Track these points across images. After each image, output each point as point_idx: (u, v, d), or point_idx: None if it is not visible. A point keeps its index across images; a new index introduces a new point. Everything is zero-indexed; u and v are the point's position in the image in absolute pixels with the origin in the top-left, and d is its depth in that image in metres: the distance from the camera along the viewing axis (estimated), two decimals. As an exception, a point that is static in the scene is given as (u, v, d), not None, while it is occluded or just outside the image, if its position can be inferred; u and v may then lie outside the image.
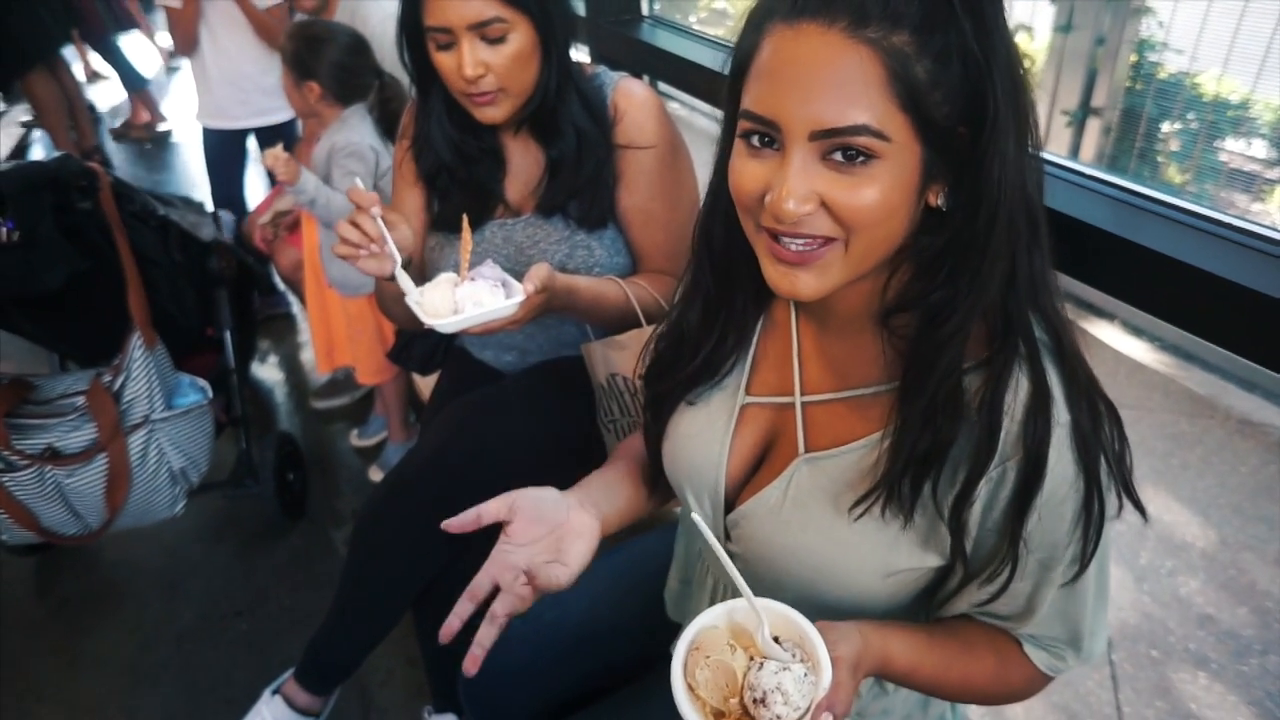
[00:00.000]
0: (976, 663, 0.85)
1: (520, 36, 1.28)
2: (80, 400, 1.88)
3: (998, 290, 0.72)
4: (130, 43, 5.58)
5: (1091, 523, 0.75)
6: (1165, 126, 3.02)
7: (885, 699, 1.00)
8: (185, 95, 5.65)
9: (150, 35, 6.19)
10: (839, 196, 0.69)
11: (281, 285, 3.16)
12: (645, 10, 2.41)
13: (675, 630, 1.13)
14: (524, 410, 1.49)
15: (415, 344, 1.84)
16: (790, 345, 0.92)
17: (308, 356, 3.25)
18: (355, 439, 2.77)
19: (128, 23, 5.38)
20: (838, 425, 0.86)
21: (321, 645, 1.56)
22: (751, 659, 0.74)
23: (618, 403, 1.41)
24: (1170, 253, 1.06)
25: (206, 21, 2.91)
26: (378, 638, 1.55)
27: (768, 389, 0.93)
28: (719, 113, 0.82)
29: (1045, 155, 0.74)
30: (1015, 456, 0.73)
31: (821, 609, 0.85)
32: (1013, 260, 0.71)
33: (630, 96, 1.41)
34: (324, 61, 2.13)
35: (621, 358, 1.38)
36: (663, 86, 3.01)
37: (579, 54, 1.90)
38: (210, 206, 2.92)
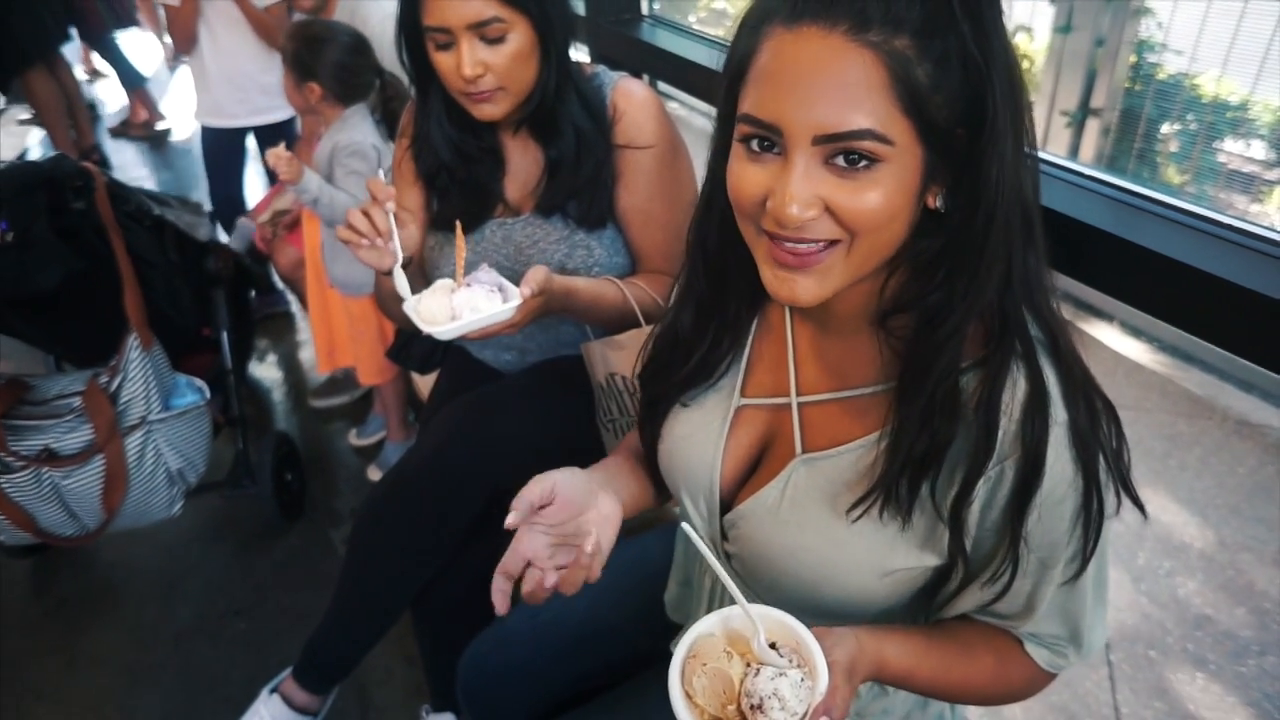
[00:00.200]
0: (975, 663, 0.85)
1: (519, 36, 1.28)
2: (77, 401, 1.88)
3: (994, 290, 0.72)
4: (130, 41, 5.57)
5: (1091, 521, 0.75)
6: (1164, 127, 3.02)
7: (885, 699, 1.00)
8: (186, 93, 5.65)
9: (159, 33, 6.19)
10: (843, 201, 0.69)
11: (280, 284, 3.16)
12: (645, 10, 2.41)
13: (674, 631, 1.13)
14: (523, 410, 1.49)
15: (414, 343, 1.84)
16: (786, 347, 0.92)
17: (306, 355, 3.25)
18: (354, 438, 2.77)
19: (127, 20, 5.38)
20: (835, 426, 0.86)
21: (320, 644, 1.56)
22: (748, 665, 0.74)
23: (616, 402, 1.41)
24: (1169, 253, 1.06)
25: (205, 20, 2.91)
26: (376, 637, 1.55)
27: (764, 390, 0.93)
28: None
29: (1044, 156, 0.74)
30: (1013, 455, 0.73)
31: (819, 609, 0.85)
32: (1009, 261, 0.72)
33: (629, 96, 1.41)
34: (324, 62, 2.12)
35: (620, 357, 1.38)
36: (662, 86, 3.01)
37: (578, 53, 1.90)
38: (209, 205, 2.92)
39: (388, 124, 2.24)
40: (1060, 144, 3.17)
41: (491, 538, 1.61)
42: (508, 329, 1.25)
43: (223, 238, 2.46)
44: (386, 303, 1.47)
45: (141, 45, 6.28)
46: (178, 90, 5.88)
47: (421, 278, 1.48)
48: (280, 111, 3.10)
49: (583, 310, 1.36)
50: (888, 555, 0.82)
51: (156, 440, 1.97)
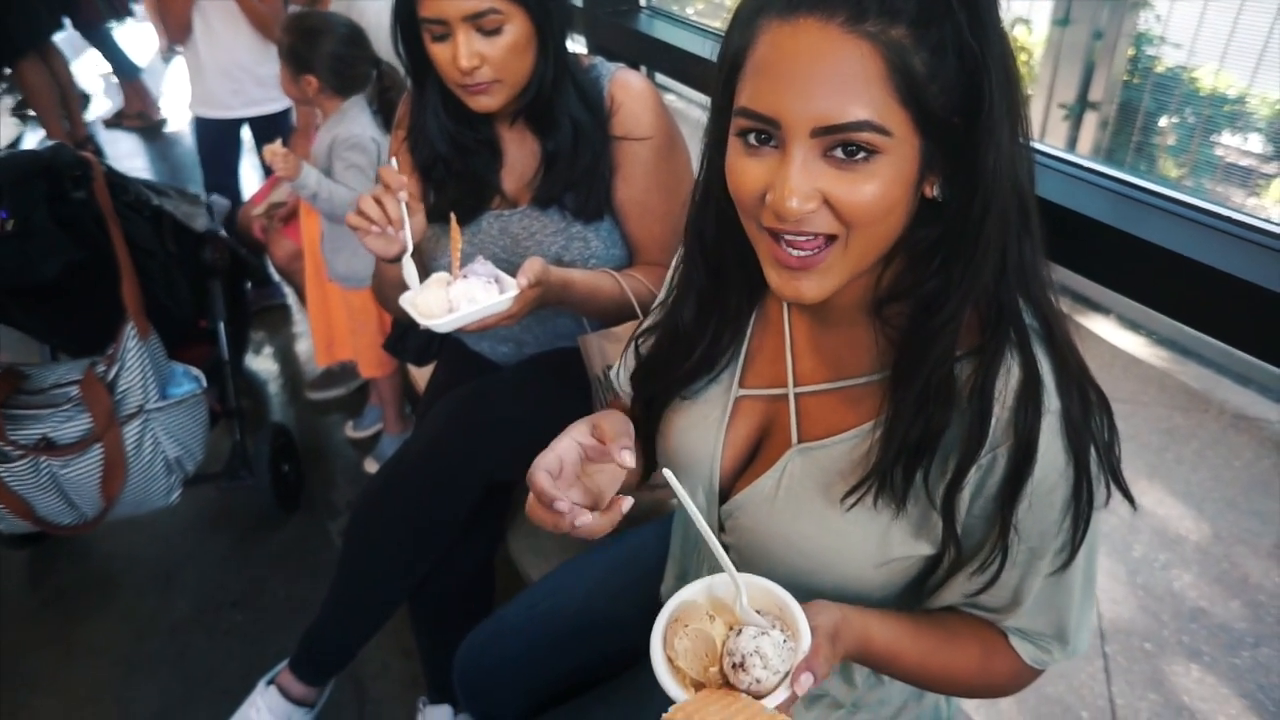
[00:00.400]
0: (960, 651, 0.86)
1: (516, 27, 1.28)
2: (74, 390, 1.88)
3: (990, 279, 0.72)
4: (125, 32, 5.54)
5: (1080, 511, 0.75)
6: (1162, 121, 3.02)
7: (881, 690, 1.00)
8: (181, 84, 5.63)
9: (156, 24, 6.14)
10: (841, 193, 0.69)
11: (277, 276, 3.15)
12: (642, 1, 2.40)
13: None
14: (519, 402, 1.49)
15: (410, 335, 1.83)
16: (783, 338, 0.92)
17: (303, 347, 3.24)
18: (350, 430, 2.76)
19: (123, 11, 5.35)
20: (831, 416, 0.86)
21: (316, 636, 1.56)
22: (730, 628, 0.74)
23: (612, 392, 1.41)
24: (1167, 245, 1.06)
25: (200, 10, 2.90)
26: (373, 629, 1.55)
27: (762, 381, 0.93)
28: None
29: (1042, 147, 0.74)
30: (1006, 443, 0.74)
31: (815, 598, 0.85)
32: (1004, 249, 0.72)
33: (627, 88, 1.41)
34: (320, 53, 2.11)
35: (617, 350, 1.37)
36: (660, 78, 3.00)
37: (575, 45, 1.89)
38: (204, 197, 2.91)
39: (385, 115, 2.23)
40: (1058, 137, 3.17)
41: (488, 530, 1.62)
42: (505, 320, 1.25)
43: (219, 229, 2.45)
44: (385, 293, 1.47)
45: (136, 36, 6.25)
46: (173, 81, 5.85)
47: (421, 266, 1.48)
48: (275, 103, 3.09)
49: (579, 302, 1.36)
50: (882, 543, 0.82)
51: (154, 429, 1.97)
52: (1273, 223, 1.08)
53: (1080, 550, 0.78)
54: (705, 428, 0.94)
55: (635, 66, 2.03)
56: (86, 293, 2.03)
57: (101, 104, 5.51)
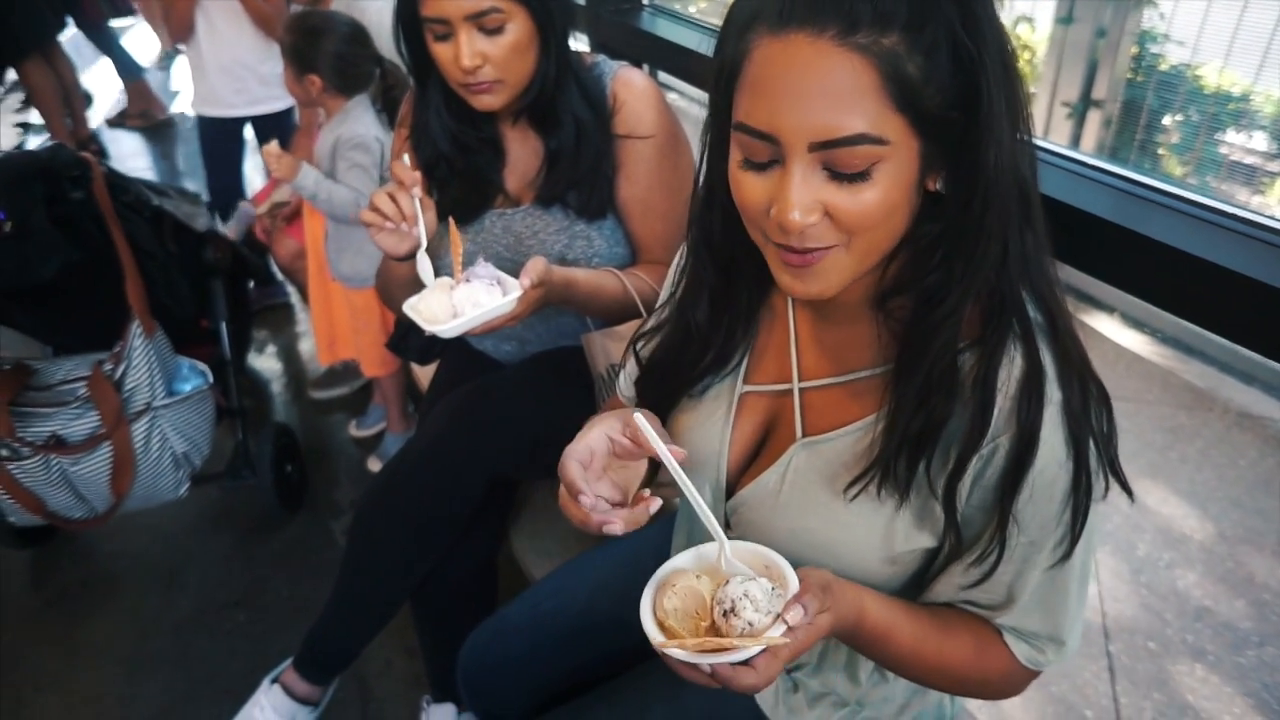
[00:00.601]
0: (953, 640, 0.85)
1: (518, 26, 1.28)
2: (82, 388, 1.89)
3: (991, 272, 0.73)
4: (129, 30, 5.55)
5: (1080, 503, 0.76)
6: (1166, 119, 3.01)
7: (885, 687, 1.00)
8: (184, 83, 5.64)
9: (156, 24, 6.15)
10: (842, 203, 0.70)
11: (279, 275, 3.15)
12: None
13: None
14: (523, 400, 1.49)
15: (413, 334, 1.83)
16: (788, 333, 0.92)
17: (306, 347, 3.24)
18: (353, 430, 2.76)
19: (125, 10, 5.35)
20: (835, 409, 0.87)
21: (320, 635, 1.57)
22: (719, 585, 0.75)
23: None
24: (1172, 242, 1.06)
25: (203, 9, 2.90)
26: (376, 628, 1.55)
27: (766, 377, 0.93)
28: None
29: (1048, 145, 0.74)
30: (1007, 432, 0.74)
31: None
32: (1006, 242, 0.72)
33: (630, 86, 1.41)
34: (323, 53, 2.11)
35: (621, 348, 1.37)
36: (662, 76, 3.00)
37: (578, 43, 1.89)
38: (207, 196, 2.92)
39: (389, 113, 2.23)
40: (1062, 135, 3.16)
41: (491, 529, 1.62)
42: (509, 321, 1.25)
43: (220, 227, 2.46)
44: (391, 293, 1.47)
45: (139, 36, 6.26)
46: (176, 80, 5.86)
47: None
48: (278, 101, 3.09)
49: (583, 301, 1.36)
50: (886, 536, 0.83)
51: (161, 425, 1.99)
52: (1276, 219, 1.07)
53: (1078, 546, 0.78)
54: (711, 425, 0.94)
55: (638, 64, 2.02)
56: (86, 293, 2.04)
57: (105, 104, 5.51)
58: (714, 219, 0.86)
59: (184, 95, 5.26)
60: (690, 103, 4.05)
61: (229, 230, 2.55)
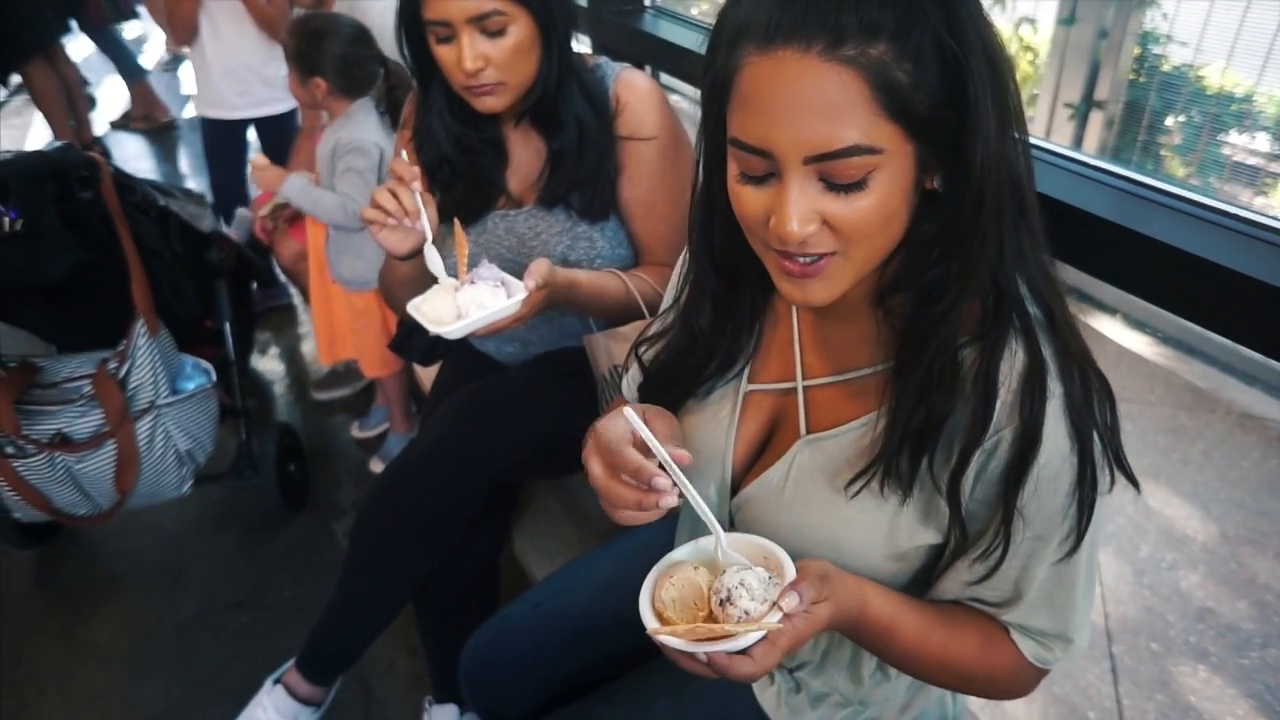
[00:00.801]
0: (959, 636, 0.85)
1: (520, 29, 1.28)
2: (87, 386, 1.90)
3: (988, 268, 0.73)
4: (131, 33, 5.56)
5: (1085, 496, 0.76)
6: (1169, 120, 3.01)
7: (888, 685, 1.00)
8: (188, 86, 5.64)
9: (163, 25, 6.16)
10: (839, 212, 0.70)
11: (282, 277, 3.15)
12: (647, 1, 2.40)
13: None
14: (525, 401, 1.49)
15: (416, 336, 1.83)
16: (791, 332, 0.93)
17: (308, 348, 3.25)
18: (356, 431, 2.77)
19: (128, 13, 5.36)
20: (838, 407, 0.87)
21: (323, 635, 1.57)
22: (716, 575, 0.76)
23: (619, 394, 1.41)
24: (1173, 242, 1.06)
25: (207, 11, 2.91)
26: (379, 628, 1.55)
27: (770, 376, 0.94)
28: None
29: (1047, 145, 0.74)
30: (1010, 426, 0.74)
31: None
32: (1001, 239, 0.72)
33: (632, 88, 1.41)
34: (327, 54, 2.12)
35: (623, 349, 1.37)
36: (664, 78, 3.00)
37: (580, 45, 1.89)
38: (210, 197, 2.92)
39: (392, 114, 2.23)
40: (1064, 137, 3.15)
41: (493, 530, 1.62)
42: (513, 323, 1.25)
43: (224, 228, 2.47)
44: (393, 293, 1.47)
45: (145, 38, 6.27)
46: (181, 83, 5.87)
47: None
48: (281, 103, 3.09)
49: (586, 302, 1.36)
50: (891, 532, 0.83)
51: (165, 423, 2.00)
52: (1278, 219, 1.07)
53: (1084, 541, 0.78)
54: (717, 425, 0.95)
55: (640, 66, 2.03)
56: (91, 292, 2.04)
57: (107, 107, 5.52)
58: (714, 227, 0.87)
59: (189, 97, 5.27)
60: (692, 104, 4.05)
61: (230, 234, 2.56)
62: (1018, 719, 1.85)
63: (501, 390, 1.52)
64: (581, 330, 1.49)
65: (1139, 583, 2.11)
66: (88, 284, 2.00)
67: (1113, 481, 0.77)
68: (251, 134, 3.23)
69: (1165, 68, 2.94)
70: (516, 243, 1.47)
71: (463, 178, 1.46)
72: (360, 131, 2.15)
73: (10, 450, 1.85)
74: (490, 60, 1.28)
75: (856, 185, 0.69)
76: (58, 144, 1.98)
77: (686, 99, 4.09)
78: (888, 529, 0.83)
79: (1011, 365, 0.74)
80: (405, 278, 1.33)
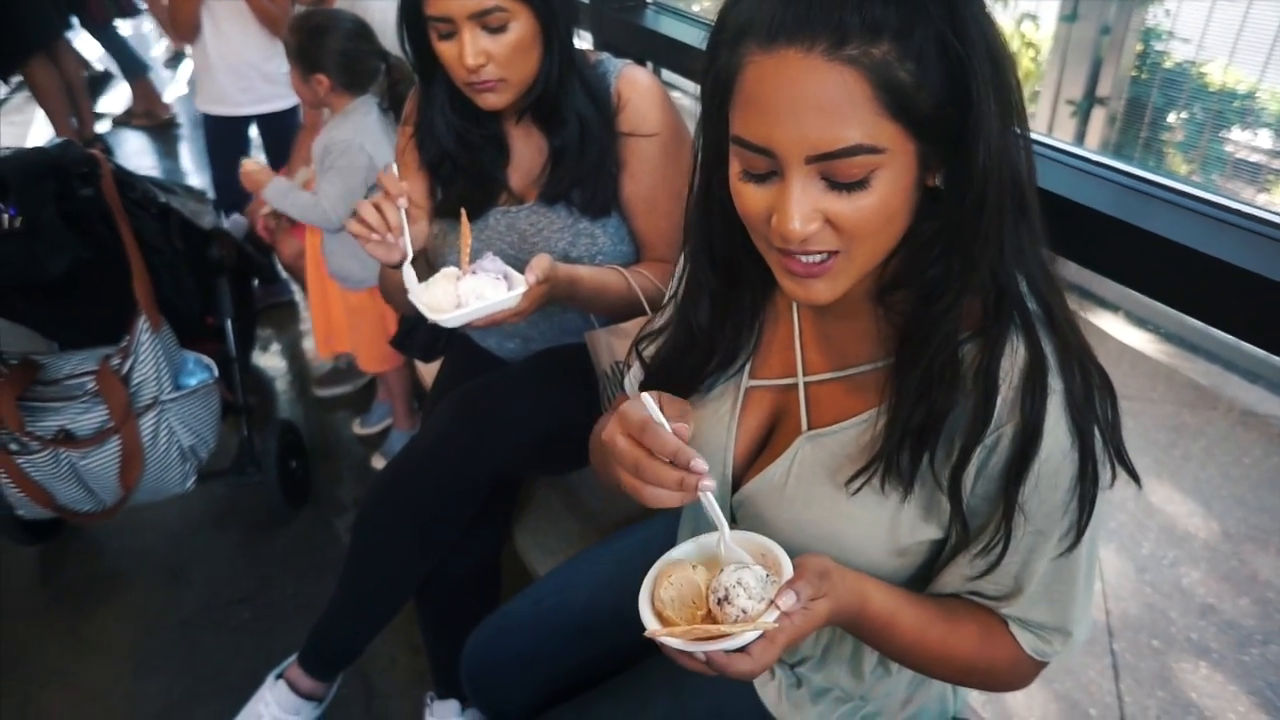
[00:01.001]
0: (958, 629, 0.86)
1: (521, 25, 1.28)
2: (90, 383, 1.90)
3: (988, 266, 0.73)
4: (133, 29, 5.56)
5: (1086, 492, 0.76)
6: (1171, 117, 3.00)
7: (889, 680, 1.00)
8: (189, 82, 5.64)
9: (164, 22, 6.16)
10: (842, 211, 0.70)
11: (284, 274, 3.16)
12: (648, -3, 2.40)
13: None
14: (526, 397, 1.49)
15: (417, 331, 1.84)
16: (791, 329, 0.93)
17: (310, 345, 3.25)
18: (358, 427, 2.77)
19: (130, 9, 5.36)
20: (839, 403, 0.88)
21: (324, 632, 1.57)
22: (714, 574, 0.76)
23: (621, 390, 1.41)
24: (1175, 237, 1.06)
25: (209, 8, 2.91)
26: (380, 624, 1.55)
27: (771, 372, 0.94)
28: None
29: (1049, 141, 0.74)
30: (1011, 422, 0.75)
31: None
32: (1002, 237, 0.73)
33: (633, 84, 1.41)
34: (328, 50, 2.11)
35: (624, 345, 1.37)
36: (666, 74, 3.00)
37: (582, 41, 1.89)
38: (212, 194, 2.92)
39: (395, 109, 2.23)
40: (1066, 133, 3.15)
41: (495, 526, 1.63)
42: (513, 317, 1.25)
43: (225, 224, 2.47)
44: (392, 294, 1.47)
45: (146, 35, 6.27)
46: (182, 79, 5.87)
47: (426, 266, 1.48)
48: (283, 100, 3.09)
49: (587, 298, 1.36)
50: (892, 528, 0.83)
51: (169, 419, 2.00)
52: (1278, 214, 1.07)
53: (1085, 536, 0.78)
54: (718, 421, 0.95)
55: (641, 62, 2.03)
56: (93, 289, 2.04)
57: (109, 103, 5.53)
58: (713, 223, 0.86)
59: (191, 94, 5.26)
60: (694, 101, 4.05)
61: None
62: (1019, 715, 1.85)
63: (503, 386, 1.52)
64: (583, 327, 1.49)
65: (1140, 579, 2.11)
66: (88, 281, 2.00)
67: (1114, 477, 0.78)
68: (254, 131, 3.23)
69: (1167, 64, 2.94)
70: (518, 239, 1.47)
71: (464, 174, 1.46)
72: (348, 132, 2.15)
73: (14, 447, 1.86)
74: (492, 56, 1.28)
75: (859, 184, 0.69)
76: (58, 140, 1.98)
77: (688, 95, 4.09)
78: (889, 525, 0.83)
79: (1012, 362, 0.75)
80: (400, 283, 1.33)
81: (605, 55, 1.46)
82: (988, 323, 0.75)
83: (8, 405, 1.82)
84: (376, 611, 1.55)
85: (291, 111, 3.16)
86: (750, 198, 0.74)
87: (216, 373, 2.13)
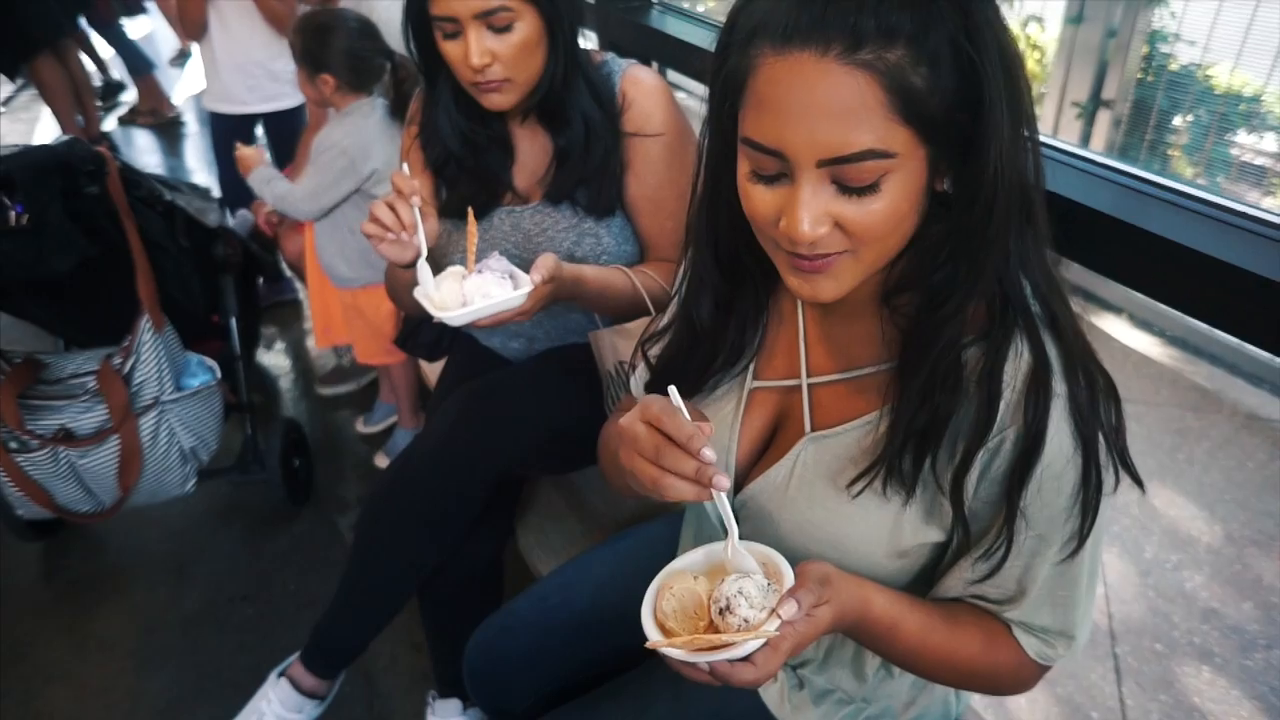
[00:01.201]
0: (961, 633, 0.85)
1: (526, 25, 1.28)
2: (91, 381, 1.90)
3: (994, 270, 0.73)
4: (139, 27, 5.57)
5: (1090, 497, 0.76)
6: (1176, 119, 3.00)
7: (891, 683, 1.00)
8: (196, 80, 5.65)
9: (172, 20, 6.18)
10: (851, 215, 0.70)
11: (288, 272, 3.16)
12: (654, -2, 2.40)
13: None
14: (530, 397, 1.50)
15: (421, 330, 1.84)
16: (796, 329, 0.93)
17: (314, 344, 3.25)
18: (361, 426, 2.77)
19: (136, 8, 5.37)
20: (842, 405, 0.87)
21: (327, 629, 1.57)
22: (715, 585, 0.76)
23: (625, 390, 1.41)
24: (1179, 239, 1.06)
25: (215, 6, 2.91)
26: (382, 623, 1.55)
27: (775, 373, 0.94)
28: None
29: (1054, 143, 0.74)
30: (1014, 426, 0.75)
31: None
32: (1008, 243, 0.73)
33: (638, 84, 1.41)
34: (334, 50, 2.12)
35: (629, 345, 1.37)
36: (672, 75, 3.00)
37: (587, 41, 1.89)
38: (218, 192, 2.93)
39: (400, 108, 2.23)
40: (1071, 135, 3.15)
41: (498, 525, 1.63)
42: (518, 316, 1.25)
43: (231, 222, 2.48)
44: (398, 292, 1.47)
45: (151, 32, 6.28)
46: (190, 78, 5.88)
47: (431, 265, 1.49)
48: (290, 99, 3.10)
49: (592, 298, 1.36)
50: (894, 531, 0.83)
51: (170, 420, 2.00)
52: (1282, 216, 1.07)
53: (1087, 541, 0.78)
54: (721, 421, 0.95)
55: (647, 62, 2.02)
56: (99, 287, 2.05)
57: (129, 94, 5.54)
58: (719, 222, 0.86)
59: (198, 92, 5.27)
60: (700, 102, 4.05)
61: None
62: (1021, 718, 1.85)
63: (506, 386, 1.52)
64: (587, 326, 1.49)
65: (1143, 583, 2.11)
66: (93, 279, 2.00)
67: (1117, 482, 0.77)
68: (260, 129, 3.24)
69: (1173, 67, 2.94)
70: (523, 239, 1.47)
71: (469, 174, 1.46)
72: (340, 134, 2.16)
73: (14, 445, 1.86)
74: (497, 56, 1.28)
75: (869, 188, 0.69)
76: (64, 138, 1.99)
77: (693, 96, 4.09)
78: (891, 527, 0.83)
79: (1016, 366, 0.74)
80: (408, 282, 1.33)
81: (610, 55, 1.46)
82: (992, 327, 0.75)
83: (8, 403, 1.82)
84: (379, 610, 1.55)
85: (298, 110, 3.16)
86: (759, 199, 0.74)
87: (219, 375, 2.13)
